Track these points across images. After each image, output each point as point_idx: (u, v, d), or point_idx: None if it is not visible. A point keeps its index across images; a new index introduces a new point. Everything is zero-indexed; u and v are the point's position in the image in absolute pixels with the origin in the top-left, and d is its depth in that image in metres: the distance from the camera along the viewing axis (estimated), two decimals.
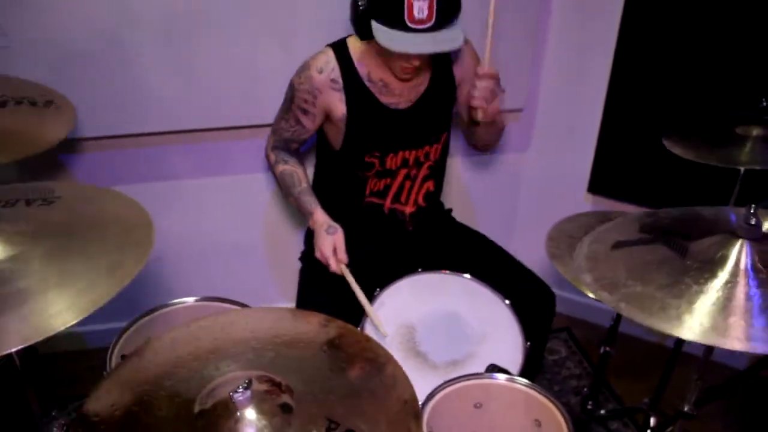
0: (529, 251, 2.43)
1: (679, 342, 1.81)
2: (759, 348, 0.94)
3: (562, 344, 2.50)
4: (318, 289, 1.76)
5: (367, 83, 1.67)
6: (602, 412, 2.00)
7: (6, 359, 1.47)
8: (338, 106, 1.68)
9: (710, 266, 1.08)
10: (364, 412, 0.99)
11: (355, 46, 1.67)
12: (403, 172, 1.78)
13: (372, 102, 1.68)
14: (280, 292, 2.45)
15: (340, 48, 1.67)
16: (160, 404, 0.97)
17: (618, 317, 1.64)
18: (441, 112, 1.77)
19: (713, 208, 1.29)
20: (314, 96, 1.68)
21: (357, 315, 1.55)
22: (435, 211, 1.93)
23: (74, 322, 0.95)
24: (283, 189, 1.84)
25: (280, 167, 1.82)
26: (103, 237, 1.14)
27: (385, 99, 1.69)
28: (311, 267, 1.84)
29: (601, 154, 2.29)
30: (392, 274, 1.67)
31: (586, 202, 2.42)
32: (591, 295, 1.09)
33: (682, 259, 1.11)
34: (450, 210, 1.99)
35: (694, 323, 0.99)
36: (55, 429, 1.16)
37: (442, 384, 1.33)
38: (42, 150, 1.46)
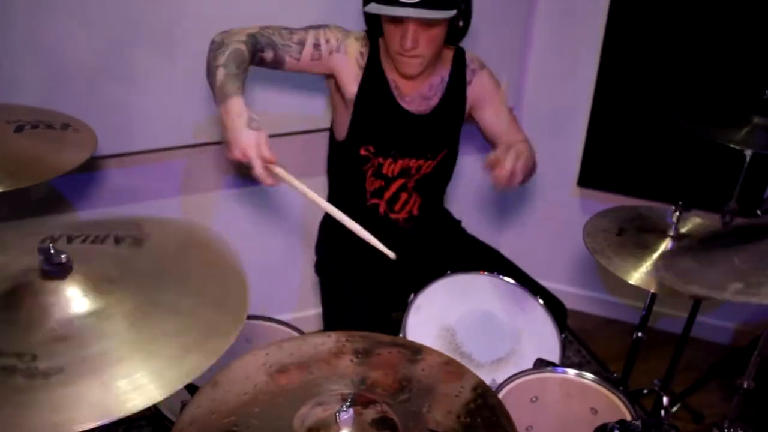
0: (519, 245, 2.50)
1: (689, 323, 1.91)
2: None
3: None
4: (347, 298, 1.74)
5: (386, 74, 1.69)
6: None
7: None
8: (351, 82, 1.67)
9: None
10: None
11: (381, 42, 1.69)
12: (400, 182, 1.78)
13: (385, 92, 1.69)
14: (284, 303, 2.41)
15: (372, 35, 1.69)
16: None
17: (651, 303, 1.71)
18: (445, 129, 1.79)
19: None
20: (337, 47, 1.64)
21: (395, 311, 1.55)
22: (438, 220, 1.94)
23: (160, 399, 0.81)
24: (212, 65, 1.49)
25: (235, 44, 1.50)
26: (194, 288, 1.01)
27: (397, 97, 1.71)
28: (332, 276, 1.83)
29: (590, 148, 2.37)
30: (401, 277, 1.67)
31: (574, 196, 2.50)
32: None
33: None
34: (459, 221, 2.01)
35: None
36: None
37: (500, 385, 1.37)
38: (66, 171, 1.41)
